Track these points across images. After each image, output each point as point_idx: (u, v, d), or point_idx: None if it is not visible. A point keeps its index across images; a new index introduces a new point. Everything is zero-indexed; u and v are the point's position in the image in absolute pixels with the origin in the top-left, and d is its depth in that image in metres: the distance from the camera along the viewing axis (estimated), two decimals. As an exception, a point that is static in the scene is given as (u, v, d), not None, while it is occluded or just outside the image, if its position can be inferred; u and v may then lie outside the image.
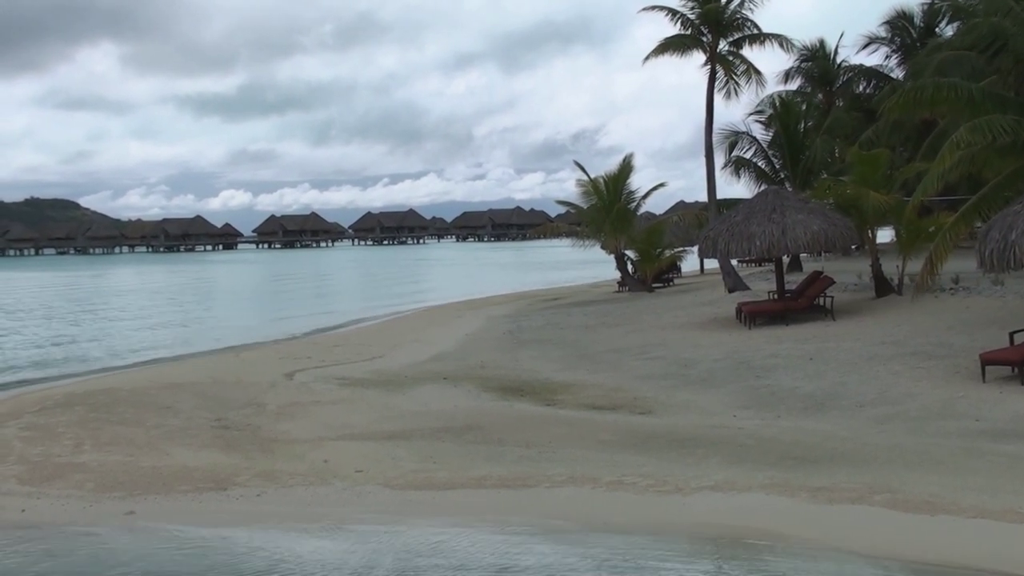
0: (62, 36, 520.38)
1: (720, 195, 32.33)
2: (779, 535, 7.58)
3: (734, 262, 30.68)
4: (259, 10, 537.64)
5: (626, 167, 36.07)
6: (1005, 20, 17.83)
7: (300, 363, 19.68)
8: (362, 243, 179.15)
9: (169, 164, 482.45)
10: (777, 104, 36.26)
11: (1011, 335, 14.68)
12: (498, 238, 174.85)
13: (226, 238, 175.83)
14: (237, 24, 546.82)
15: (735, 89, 31.80)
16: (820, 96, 45.53)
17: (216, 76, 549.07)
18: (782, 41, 32.02)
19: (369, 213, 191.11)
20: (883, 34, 43.88)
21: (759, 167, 35.72)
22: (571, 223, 44.87)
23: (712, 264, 35.38)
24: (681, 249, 38.48)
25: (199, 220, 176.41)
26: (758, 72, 31.91)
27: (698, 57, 31.52)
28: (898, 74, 42.72)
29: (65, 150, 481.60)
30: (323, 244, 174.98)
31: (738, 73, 31.59)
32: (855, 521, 7.79)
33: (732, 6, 30.92)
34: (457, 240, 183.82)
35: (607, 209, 35.17)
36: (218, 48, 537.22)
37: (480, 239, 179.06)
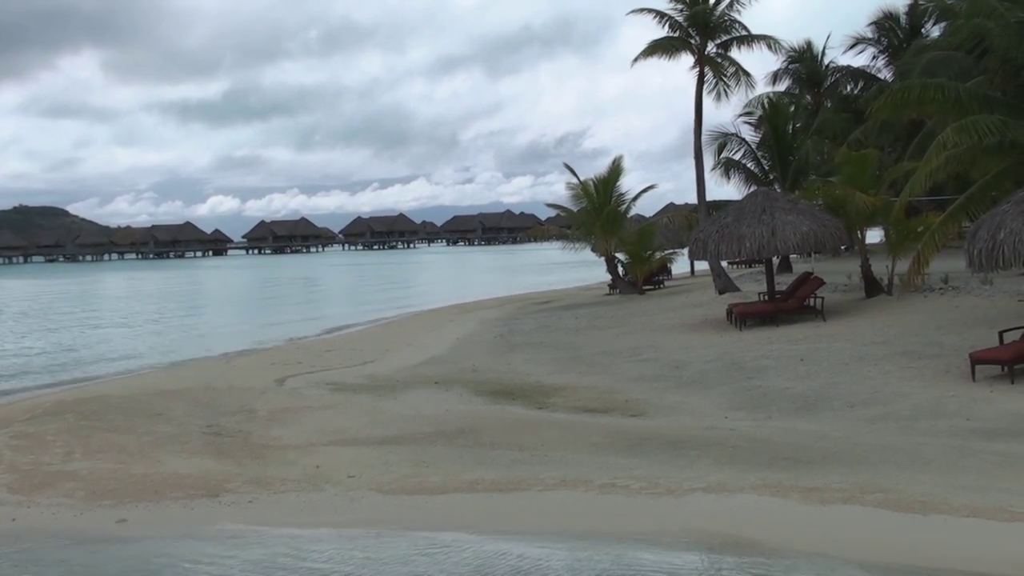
0: (43, 43, 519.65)
1: (710, 197, 32.37)
2: (771, 536, 7.59)
3: (724, 263, 30.73)
4: (242, 15, 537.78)
5: (616, 169, 36.07)
6: (988, 21, 17.86)
7: (291, 369, 19.63)
8: (353, 248, 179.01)
9: (156, 170, 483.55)
10: (766, 105, 36.33)
11: (1000, 334, 14.76)
12: (488, 241, 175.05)
13: (216, 244, 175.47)
14: (220, 30, 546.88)
15: (724, 91, 31.89)
16: (809, 97, 45.71)
17: (200, 82, 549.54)
18: (770, 42, 32.11)
19: (359, 218, 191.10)
20: (870, 35, 44.11)
21: (748, 168, 35.76)
22: (561, 226, 44.88)
23: (702, 266, 35.44)
24: (671, 251, 38.53)
25: (188, 226, 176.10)
26: (747, 74, 32.01)
27: (686, 59, 31.63)
28: (885, 75, 42.93)
29: (52, 157, 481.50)
30: (313, 249, 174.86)
31: (727, 75, 31.65)
32: (847, 521, 7.80)
33: (720, 8, 30.99)
34: (447, 244, 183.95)
35: (597, 211, 35.19)
36: (201, 54, 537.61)
37: (470, 243, 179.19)
